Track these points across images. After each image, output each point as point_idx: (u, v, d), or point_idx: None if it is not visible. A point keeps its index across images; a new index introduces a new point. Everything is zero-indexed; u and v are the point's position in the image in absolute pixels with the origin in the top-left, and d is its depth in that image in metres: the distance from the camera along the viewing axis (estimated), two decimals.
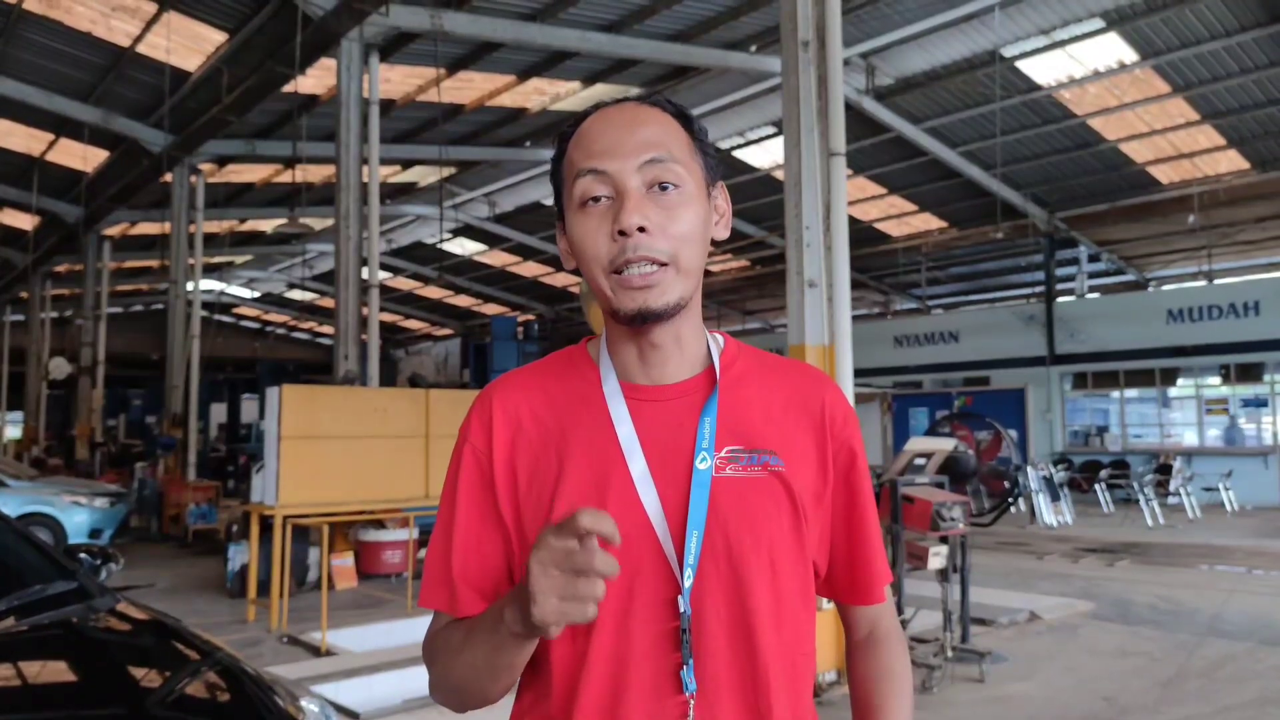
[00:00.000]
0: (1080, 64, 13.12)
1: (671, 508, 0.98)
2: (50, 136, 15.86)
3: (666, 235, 0.97)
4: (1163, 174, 16.64)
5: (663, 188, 0.98)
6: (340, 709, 4.59)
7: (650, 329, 1.01)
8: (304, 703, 2.48)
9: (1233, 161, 15.82)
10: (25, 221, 20.04)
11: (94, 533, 10.63)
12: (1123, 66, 12.97)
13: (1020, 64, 13.17)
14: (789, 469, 1.02)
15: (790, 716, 0.99)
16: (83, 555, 3.26)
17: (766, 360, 1.13)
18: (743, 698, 0.97)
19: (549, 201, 22.57)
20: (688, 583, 0.96)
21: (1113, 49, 12.64)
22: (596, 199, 0.99)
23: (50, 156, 16.81)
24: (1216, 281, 18.93)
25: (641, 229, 0.96)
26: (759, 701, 0.98)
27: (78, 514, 10.77)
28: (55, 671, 2.42)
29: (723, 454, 1.01)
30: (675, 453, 1.01)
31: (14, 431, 27.40)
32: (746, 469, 1.01)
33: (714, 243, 1.07)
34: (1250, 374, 17.71)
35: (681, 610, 0.96)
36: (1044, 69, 13.37)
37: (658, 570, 0.97)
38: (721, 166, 1.09)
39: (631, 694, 0.96)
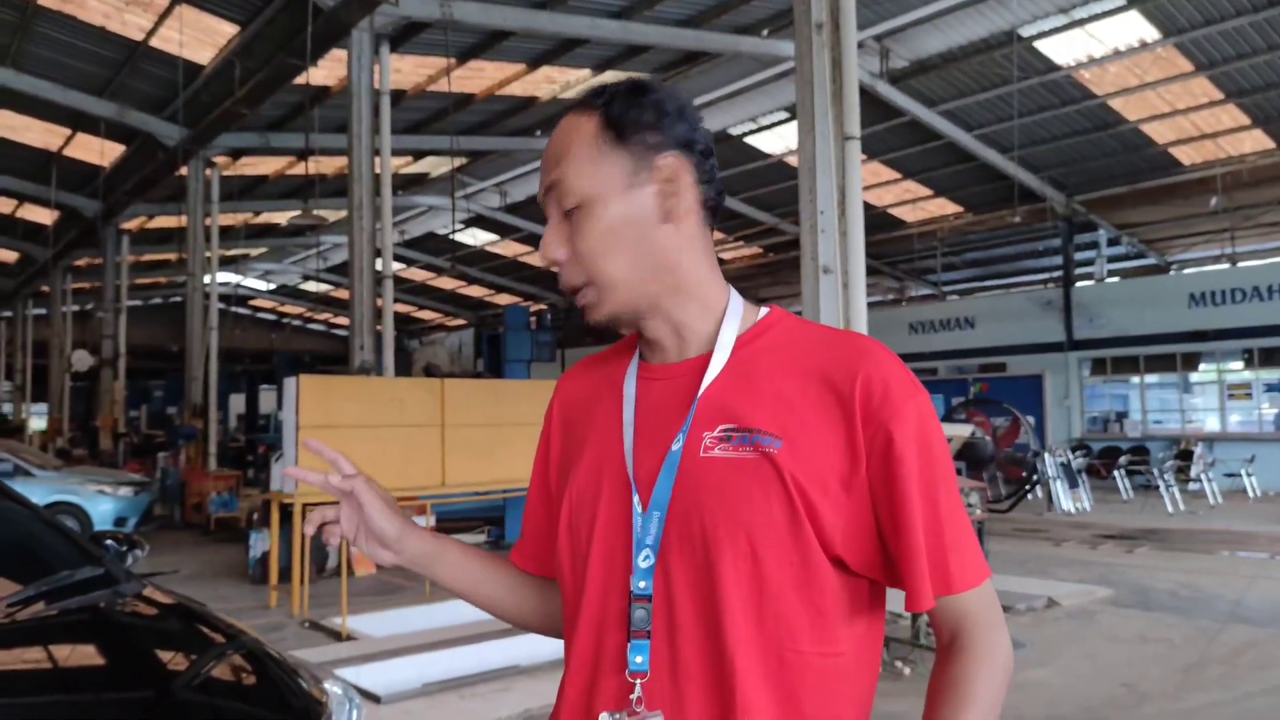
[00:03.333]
0: (1100, 43, 12.94)
1: (646, 488, 0.98)
2: (67, 131, 15.97)
3: (578, 259, 1.01)
4: (1185, 155, 16.43)
5: (567, 213, 1.01)
6: (361, 692, 4.64)
7: (635, 327, 1.05)
8: (328, 685, 2.51)
9: (1257, 141, 15.59)
10: (45, 216, 20.20)
11: (118, 521, 10.80)
12: (1144, 45, 12.79)
13: (1038, 44, 13.01)
14: (786, 450, 0.94)
15: (773, 712, 0.93)
16: (109, 542, 3.29)
17: (804, 333, 1.04)
18: (710, 682, 0.93)
19: None
20: (644, 563, 0.96)
21: (1134, 27, 12.45)
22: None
23: (68, 151, 16.94)
24: (1239, 264, 18.71)
25: (555, 261, 1.02)
26: (723, 692, 0.92)
27: (103, 503, 10.95)
28: (84, 655, 2.45)
29: (715, 433, 0.97)
30: (661, 432, 1.00)
31: (39, 423, 27.70)
32: (737, 449, 0.96)
33: (723, 223, 1.04)
34: (1274, 358, 17.52)
35: (631, 590, 0.96)
36: (1063, 49, 13.19)
37: (630, 549, 0.98)
38: (676, 133, 1.00)
39: (605, 665, 0.98)
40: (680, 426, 0.98)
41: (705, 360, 1.02)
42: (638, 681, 0.94)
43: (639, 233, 0.99)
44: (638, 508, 0.97)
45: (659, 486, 0.96)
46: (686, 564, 0.95)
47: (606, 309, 1.01)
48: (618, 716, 0.95)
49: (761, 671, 0.93)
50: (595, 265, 0.99)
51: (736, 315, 1.04)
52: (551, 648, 5.57)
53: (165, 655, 2.56)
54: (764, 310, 1.07)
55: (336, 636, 6.35)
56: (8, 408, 28.21)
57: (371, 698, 4.76)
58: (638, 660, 0.94)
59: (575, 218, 1.00)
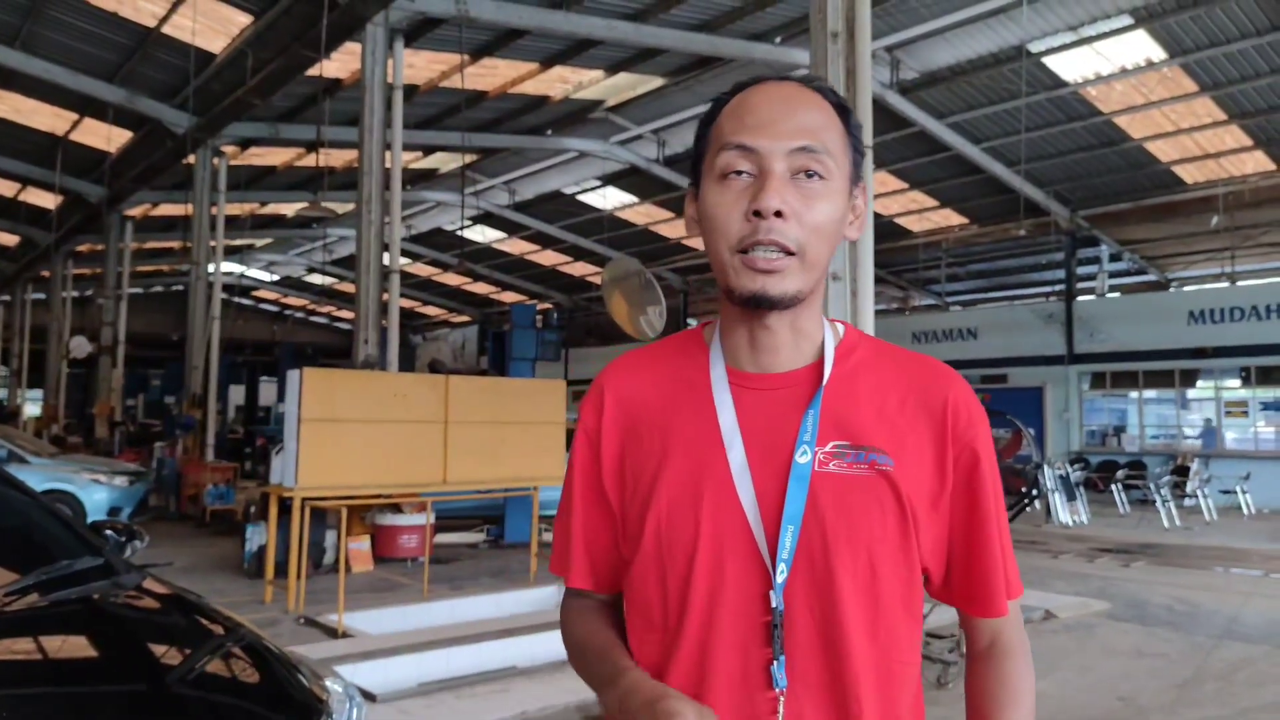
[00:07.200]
0: (1107, 61, 12.99)
1: (767, 501, 0.97)
2: (75, 116, 15.96)
3: (801, 223, 0.96)
4: (1188, 174, 16.48)
5: (808, 175, 0.97)
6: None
7: (765, 314, 1.00)
8: (328, 683, 2.49)
9: (1259, 162, 15.65)
10: (48, 200, 20.19)
11: (113, 511, 10.70)
12: (1150, 64, 12.84)
13: (1047, 60, 13.05)
14: (898, 468, 0.98)
15: None
16: (108, 532, 3.28)
17: (888, 352, 1.08)
18: (831, 698, 0.96)
19: (569, 190, 22.49)
20: (780, 578, 0.95)
21: (1141, 47, 12.51)
22: (739, 173, 0.98)
23: (74, 136, 16.92)
24: (1239, 283, 18.74)
25: (778, 213, 0.95)
26: (847, 704, 0.96)
27: (97, 492, 10.84)
28: (82, 646, 2.43)
29: (827, 449, 0.98)
30: (776, 445, 0.98)
31: (34, 409, 27.65)
32: (851, 466, 0.98)
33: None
34: (1271, 377, 17.54)
35: (774, 605, 0.95)
36: (1071, 65, 13.25)
37: (750, 564, 0.96)
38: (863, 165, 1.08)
39: (718, 685, 0.96)
40: (794, 439, 0.98)
41: (807, 372, 1.03)
42: (781, 698, 0.95)
43: (837, 233, 1.01)
44: (758, 522, 0.96)
45: (790, 501, 0.96)
46: (810, 579, 0.96)
47: (797, 284, 0.98)
48: None
49: (874, 683, 0.97)
50: (814, 239, 0.97)
51: (832, 331, 1.07)
52: (550, 649, 5.56)
53: (167, 647, 2.54)
54: (840, 326, 1.09)
55: (332, 633, 6.32)
56: (3, 393, 28.14)
57: (367, 696, 4.74)
58: (778, 676, 0.95)
59: (813, 187, 0.97)
